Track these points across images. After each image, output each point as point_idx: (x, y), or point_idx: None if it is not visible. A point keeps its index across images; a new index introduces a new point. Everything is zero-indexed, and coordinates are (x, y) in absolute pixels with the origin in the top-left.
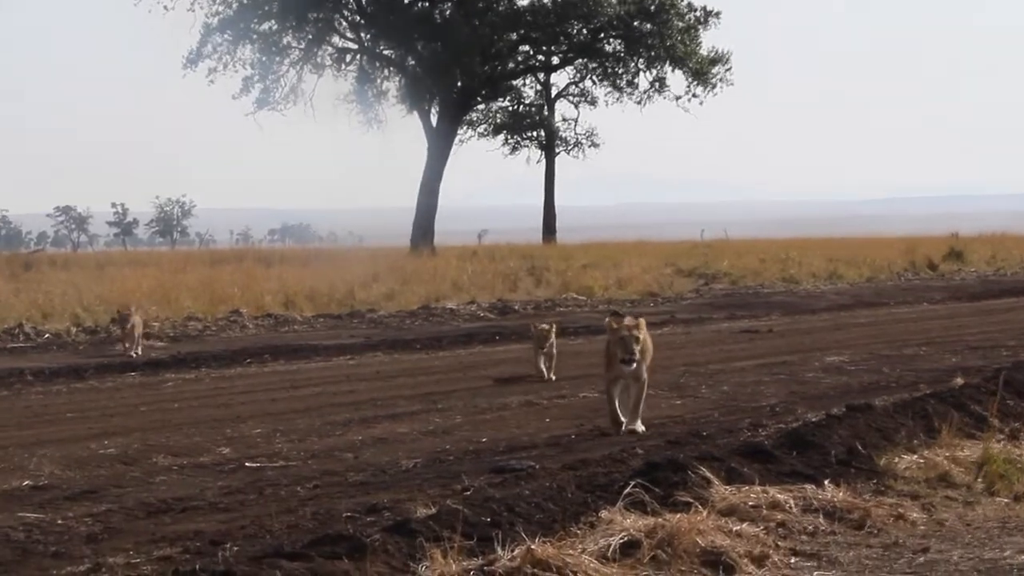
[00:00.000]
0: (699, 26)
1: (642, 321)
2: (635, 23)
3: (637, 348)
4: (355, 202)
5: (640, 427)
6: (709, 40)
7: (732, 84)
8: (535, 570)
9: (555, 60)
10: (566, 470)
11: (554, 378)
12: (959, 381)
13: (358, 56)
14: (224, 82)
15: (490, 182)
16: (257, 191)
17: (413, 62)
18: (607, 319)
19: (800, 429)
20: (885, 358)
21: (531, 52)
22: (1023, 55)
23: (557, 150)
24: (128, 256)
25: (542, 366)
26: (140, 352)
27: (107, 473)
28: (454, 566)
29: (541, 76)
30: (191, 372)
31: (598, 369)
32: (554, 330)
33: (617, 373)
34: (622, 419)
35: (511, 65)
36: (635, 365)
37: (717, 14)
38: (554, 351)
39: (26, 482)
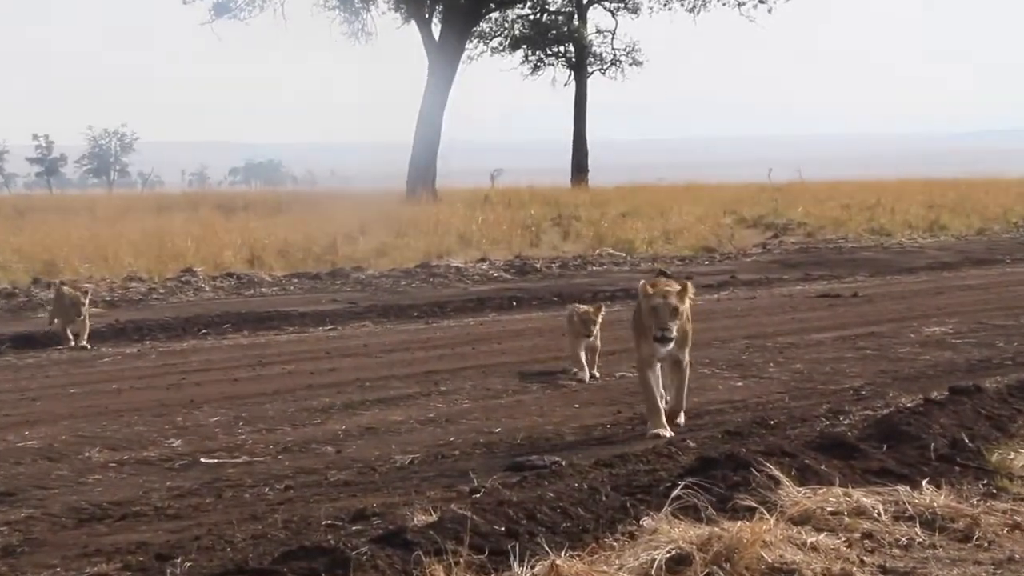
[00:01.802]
0: None
1: (688, 284)
2: None
3: (674, 323)
4: (338, 135)
5: (675, 423)
6: None
7: None
8: None
9: None
10: (599, 468)
11: (598, 376)
12: None
13: None
14: None
15: (506, 110)
16: (215, 121)
17: None
18: (642, 282)
19: (892, 417)
20: (999, 329)
21: None
22: None
23: (590, 70)
24: (54, 200)
25: (584, 359)
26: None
27: (28, 471)
28: None
29: None
30: (133, 345)
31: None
32: (600, 314)
33: (651, 352)
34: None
35: None
36: (671, 344)
37: None
38: (598, 341)
39: None
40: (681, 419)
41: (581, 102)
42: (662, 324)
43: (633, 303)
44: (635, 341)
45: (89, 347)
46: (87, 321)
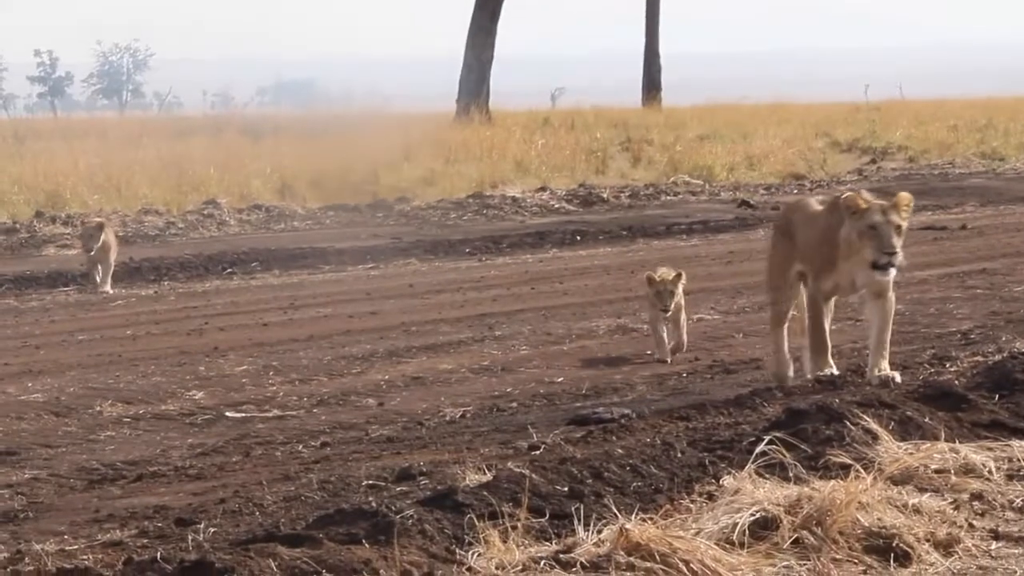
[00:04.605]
0: None
1: (907, 197)
2: None
3: (900, 243)
4: (379, 49)
5: (896, 374)
6: None
7: None
8: (631, 558)
9: None
10: (674, 421)
11: (685, 342)
12: None
13: None
14: None
15: (568, 19)
16: (240, 34)
17: None
18: (844, 195)
19: (1005, 364)
20: None
21: None
22: None
23: None
24: (59, 124)
25: (666, 337)
26: (110, 289)
27: (32, 427)
28: (517, 553)
29: None
30: (149, 287)
31: (718, 281)
32: (681, 283)
33: (838, 282)
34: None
35: None
36: (893, 271)
37: None
38: (683, 315)
39: None
40: (896, 375)
41: (653, 9)
42: (888, 247)
43: (712, 238)
44: (811, 269)
45: (110, 292)
46: (111, 259)
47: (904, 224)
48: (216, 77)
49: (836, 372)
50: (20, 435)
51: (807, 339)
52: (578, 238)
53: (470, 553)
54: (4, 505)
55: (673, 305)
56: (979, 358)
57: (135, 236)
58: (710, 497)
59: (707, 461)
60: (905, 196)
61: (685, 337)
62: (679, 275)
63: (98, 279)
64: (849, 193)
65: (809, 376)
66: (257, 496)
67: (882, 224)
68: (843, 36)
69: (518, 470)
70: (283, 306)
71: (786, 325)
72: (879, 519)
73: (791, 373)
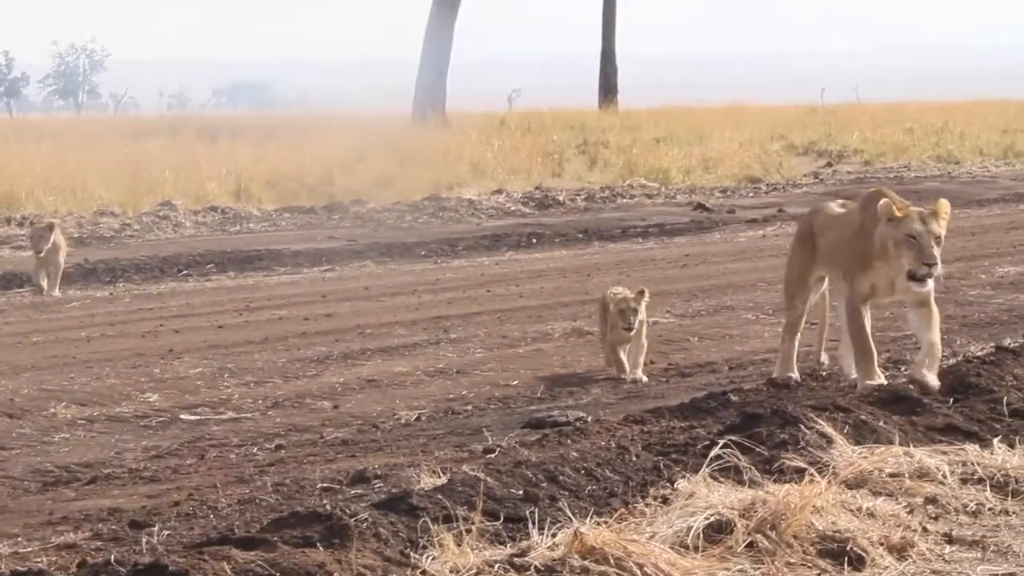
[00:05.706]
0: None
1: (946, 204)
2: None
3: (939, 253)
4: (335, 51)
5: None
6: None
7: None
8: (585, 562)
9: None
10: (629, 424)
11: (644, 379)
12: None
13: None
14: None
15: (524, 22)
16: (197, 36)
17: None
18: (882, 201)
19: (959, 368)
20: None
21: None
22: None
23: None
24: (14, 125)
25: (623, 358)
26: (58, 293)
27: None
28: (472, 556)
29: None
30: (104, 288)
31: (674, 284)
32: (644, 301)
33: (875, 283)
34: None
35: None
36: (931, 283)
37: None
38: (644, 338)
39: None
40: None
41: (610, 11)
42: (928, 257)
43: (668, 241)
44: (847, 269)
45: (57, 294)
46: (61, 260)
47: (943, 233)
48: (172, 78)
49: (884, 381)
50: None
51: (849, 347)
52: (534, 241)
53: (424, 556)
54: None
55: (635, 324)
56: None
57: (90, 237)
58: (664, 501)
59: (662, 464)
60: (944, 204)
61: (642, 360)
62: (641, 292)
63: (44, 283)
64: (885, 199)
65: (858, 387)
66: (211, 499)
67: (922, 233)
68: (799, 38)
69: (473, 473)
70: (238, 308)
71: (799, 334)
72: (833, 523)
73: (796, 378)
